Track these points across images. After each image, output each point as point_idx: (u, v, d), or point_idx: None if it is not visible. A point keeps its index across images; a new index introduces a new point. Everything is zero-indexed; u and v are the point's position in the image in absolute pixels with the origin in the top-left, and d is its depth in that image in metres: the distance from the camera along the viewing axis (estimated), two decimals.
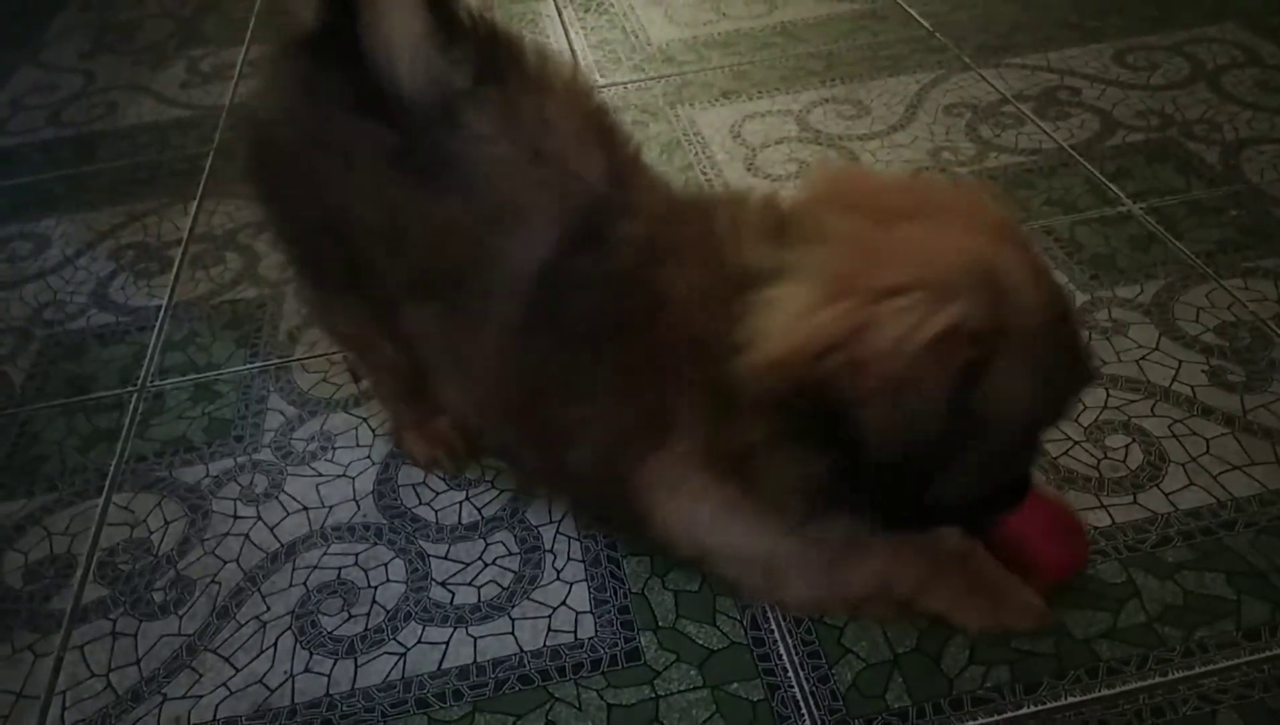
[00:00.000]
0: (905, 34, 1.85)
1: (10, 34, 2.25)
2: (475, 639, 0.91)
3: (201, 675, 0.90)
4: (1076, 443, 1.02)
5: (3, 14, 2.31)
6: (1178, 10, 1.81)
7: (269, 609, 0.95)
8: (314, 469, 1.10)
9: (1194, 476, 0.98)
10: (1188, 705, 0.80)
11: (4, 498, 1.10)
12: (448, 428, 1.07)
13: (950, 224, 0.68)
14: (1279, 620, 0.85)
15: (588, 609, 0.92)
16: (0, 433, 1.19)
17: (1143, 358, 1.11)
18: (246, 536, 1.03)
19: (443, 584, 0.96)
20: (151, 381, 1.24)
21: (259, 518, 1.04)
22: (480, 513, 1.03)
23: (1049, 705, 0.81)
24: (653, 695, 0.85)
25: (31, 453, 1.16)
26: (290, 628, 0.93)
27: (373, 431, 1.13)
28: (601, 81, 1.80)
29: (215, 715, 0.87)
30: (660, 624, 0.90)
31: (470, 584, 0.96)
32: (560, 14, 2.07)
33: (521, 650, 0.89)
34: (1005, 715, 0.81)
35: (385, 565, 0.98)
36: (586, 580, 0.95)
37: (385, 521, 1.03)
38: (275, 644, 0.92)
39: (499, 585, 0.95)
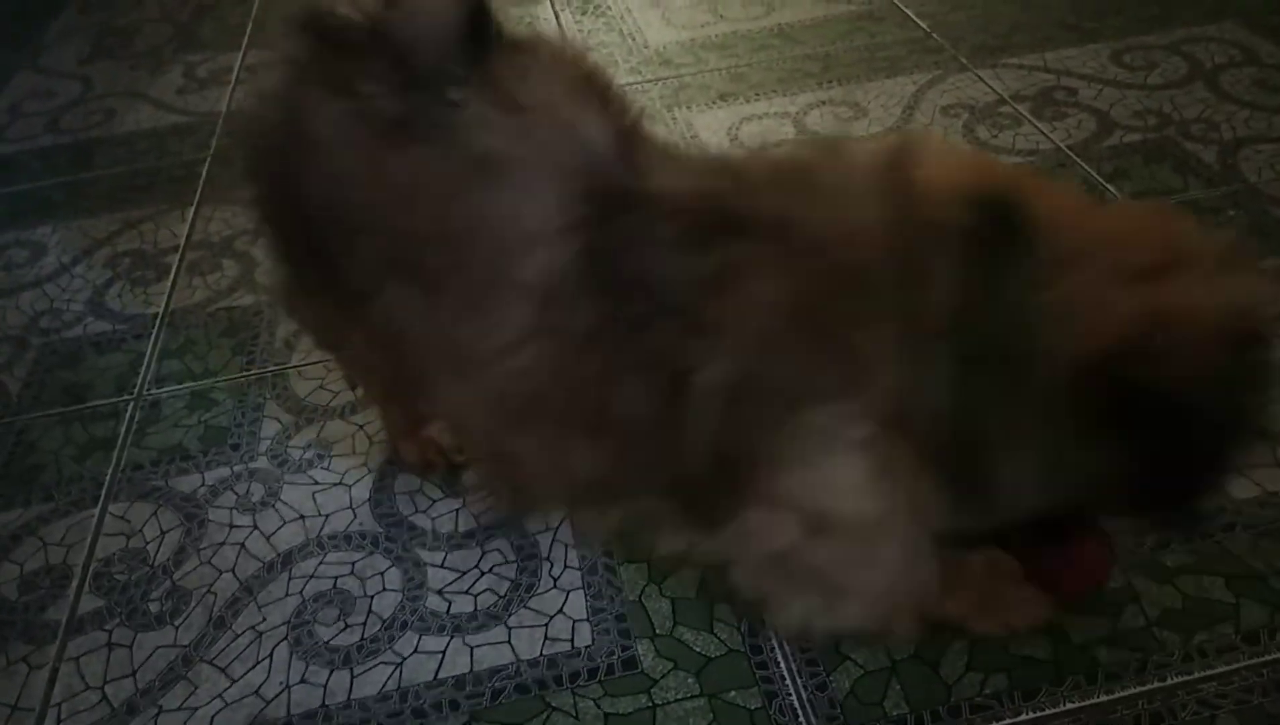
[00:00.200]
0: (902, 35, 1.85)
1: (9, 38, 2.25)
2: (472, 648, 0.90)
3: (197, 687, 0.90)
4: None
5: (1, 17, 2.31)
6: (1177, 9, 1.81)
7: (265, 619, 0.95)
8: (310, 477, 1.09)
9: None
10: (1187, 711, 0.80)
11: (0, 508, 1.10)
12: (439, 433, 1.06)
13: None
14: (1278, 624, 0.85)
15: (585, 617, 0.92)
16: None
17: None
18: (242, 546, 1.02)
19: (439, 593, 0.96)
20: (148, 390, 1.24)
21: (255, 527, 1.04)
22: (476, 519, 1.02)
23: (1047, 712, 0.81)
24: (650, 704, 0.84)
25: (27, 462, 1.15)
26: (286, 638, 0.93)
27: (369, 438, 1.13)
28: None
29: None
30: (658, 632, 0.90)
31: (467, 592, 0.95)
32: (557, 17, 2.07)
33: (518, 659, 0.89)
34: (1004, 722, 0.81)
35: (382, 574, 0.98)
36: (583, 588, 0.94)
37: (382, 530, 1.02)
38: (271, 654, 0.91)
39: (496, 594, 0.95)
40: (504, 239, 0.71)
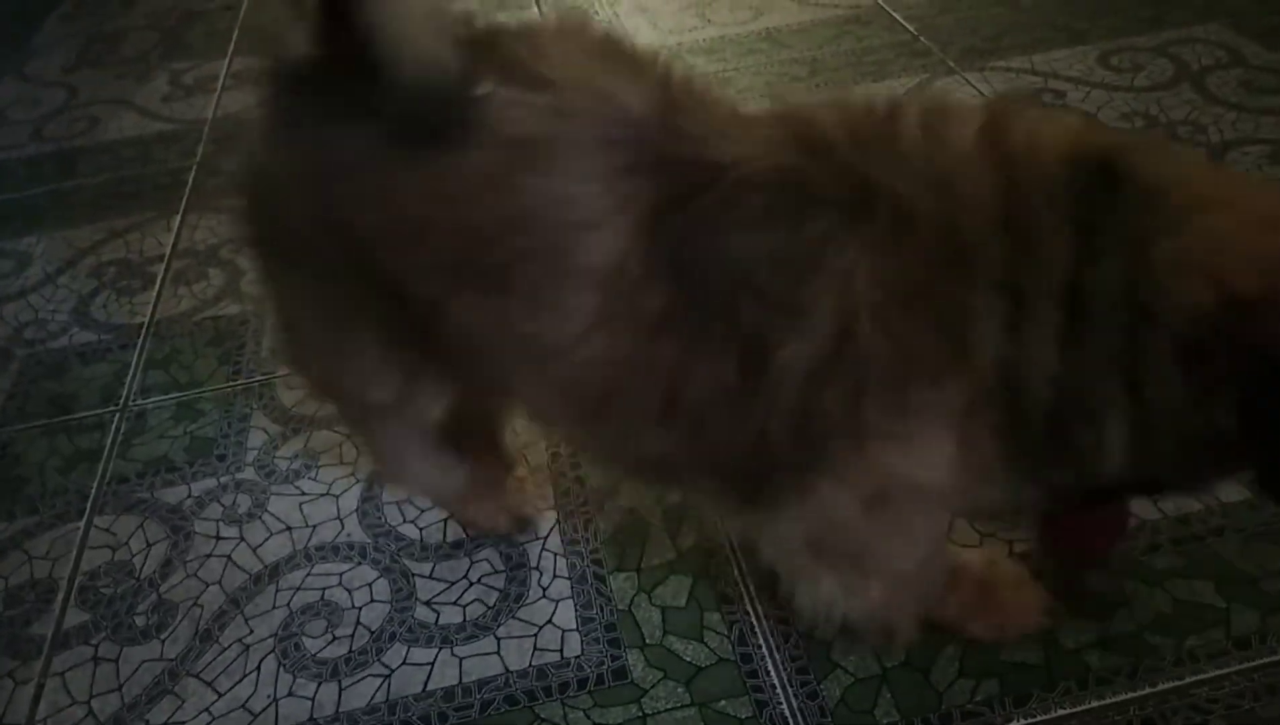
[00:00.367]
0: (890, 38, 1.85)
1: None
2: (460, 659, 0.90)
3: (184, 701, 0.89)
4: None
5: None
6: (1164, 11, 1.81)
7: (252, 632, 0.94)
8: (297, 488, 1.09)
9: None
10: (1179, 716, 0.79)
11: None
12: (525, 476, 1.02)
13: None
14: (1269, 628, 0.84)
15: (574, 627, 0.91)
16: None
17: None
18: (229, 558, 1.02)
19: (428, 603, 0.95)
20: (133, 401, 1.23)
21: (242, 538, 1.03)
22: (465, 529, 1.02)
23: (1039, 718, 0.80)
24: (640, 714, 0.84)
25: (12, 474, 1.14)
26: (273, 650, 0.92)
27: (356, 448, 1.12)
28: None
29: None
30: (647, 641, 0.89)
31: (455, 603, 0.95)
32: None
33: (507, 670, 0.88)
34: None
35: (369, 585, 0.97)
36: (573, 597, 0.94)
37: (369, 540, 1.02)
38: (259, 667, 0.91)
39: (484, 604, 0.94)
40: (559, 225, 0.66)
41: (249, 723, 0.87)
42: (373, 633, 0.93)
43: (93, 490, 1.11)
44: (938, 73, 1.71)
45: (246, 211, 0.81)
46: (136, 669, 0.92)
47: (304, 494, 1.08)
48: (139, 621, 0.97)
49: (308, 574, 0.99)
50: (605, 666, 0.88)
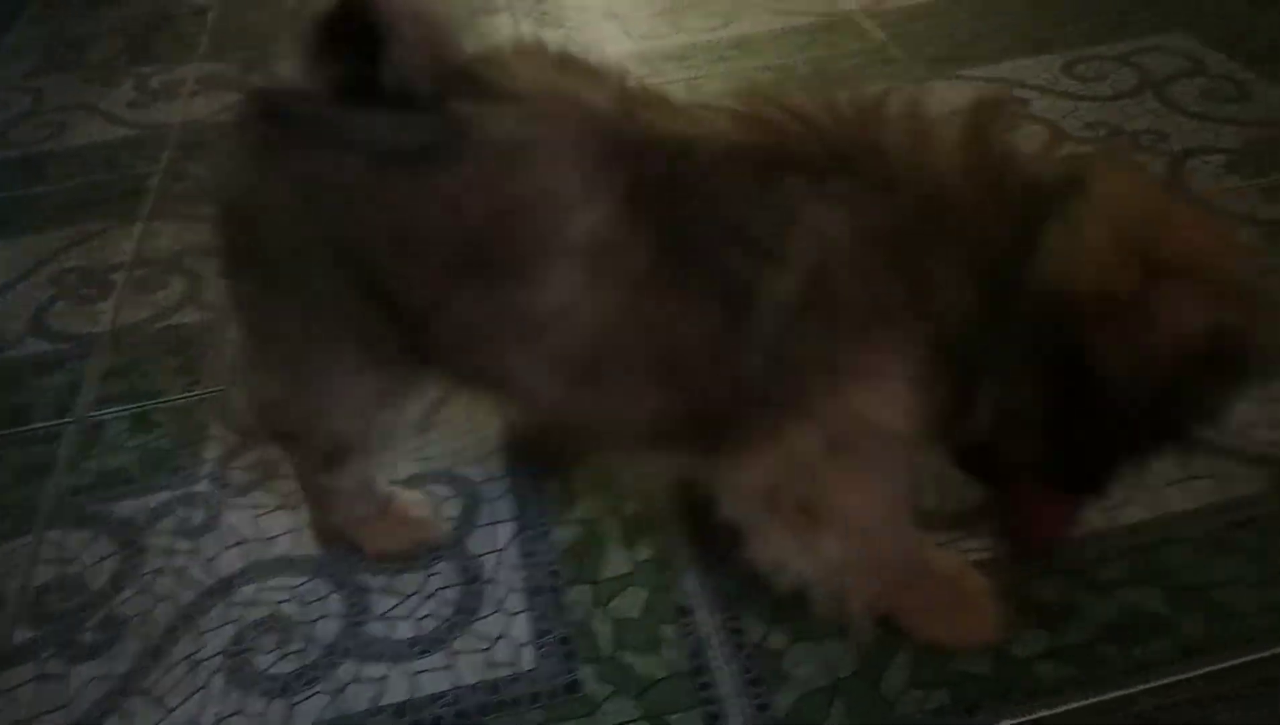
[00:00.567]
0: (859, 46, 1.86)
1: None
2: (413, 675, 0.89)
3: (132, 719, 0.88)
4: None
5: None
6: (1128, 19, 1.83)
7: (203, 648, 0.93)
8: (253, 499, 1.08)
9: (1132, 492, 0.97)
10: None
11: None
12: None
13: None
14: (1214, 637, 0.85)
15: (528, 640, 0.91)
16: None
17: None
18: (181, 572, 1.01)
19: (381, 618, 0.94)
20: (89, 412, 1.22)
21: (195, 552, 1.02)
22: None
23: None
24: None
25: None
26: (223, 667, 0.91)
27: None
28: None
29: None
30: (601, 654, 0.89)
31: (410, 617, 0.94)
32: (516, 28, 2.07)
33: (460, 685, 0.88)
34: None
35: (323, 599, 0.97)
36: (528, 610, 0.94)
37: (324, 553, 1.01)
38: (207, 684, 0.90)
39: (439, 618, 0.94)
40: (547, 210, 0.72)
41: None
42: (325, 648, 0.92)
43: (45, 504, 1.09)
44: (907, 80, 1.72)
45: (229, 241, 0.83)
46: (84, 686, 0.91)
47: (259, 506, 1.07)
48: (88, 638, 0.95)
49: (261, 588, 0.98)
50: (559, 681, 0.87)
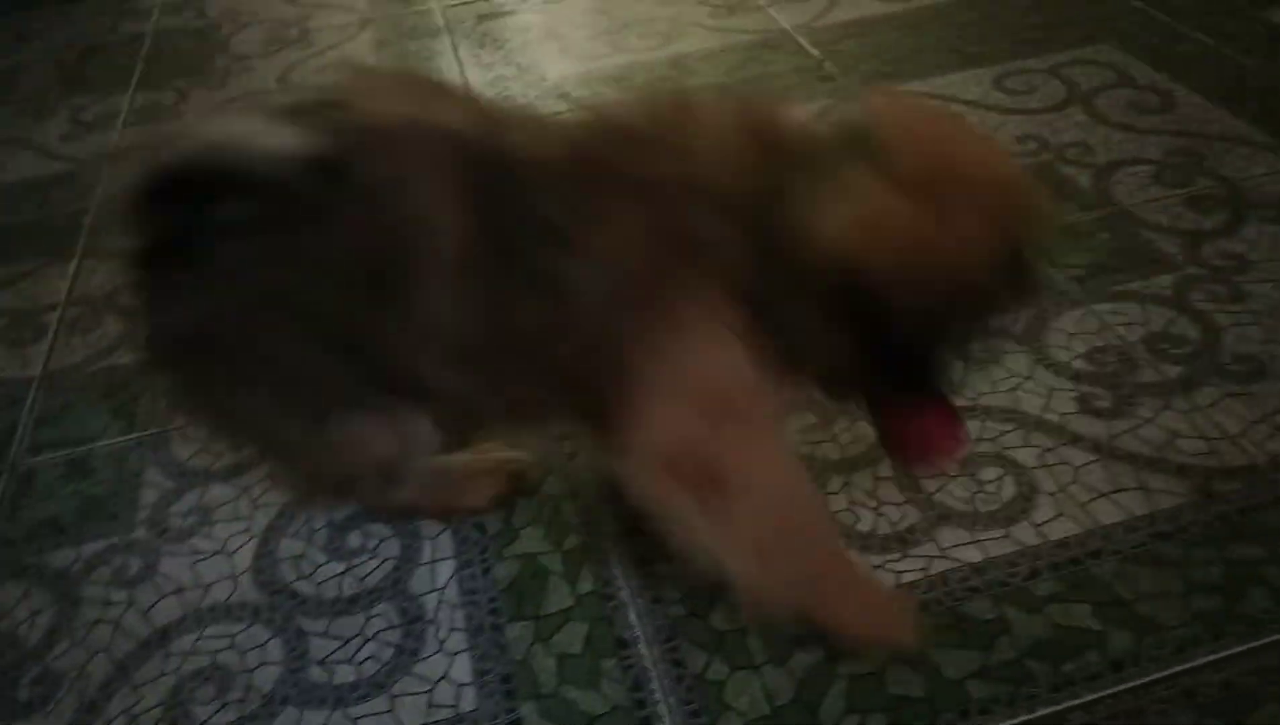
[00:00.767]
0: (796, 63, 1.88)
1: None
2: (354, 720, 0.89)
3: None
4: (952, 478, 1.04)
5: None
6: (1055, 32, 1.87)
7: (140, 701, 0.92)
8: (191, 546, 1.06)
9: (1063, 506, 1.00)
10: None
11: None
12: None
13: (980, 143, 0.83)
14: (1142, 650, 0.87)
15: (470, 680, 0.91)
16: None
17: (1016, 387, 1.14)
18: (118, 623, 0.99)
19: (321, 663, 0.94)
20: (22, 460, 1.19)
21: (131, 602, 1.01)
22: (362, 583, 1.01)
23: None
24: None
25: None
26: (163, 719, 0.90)
27: (253, 502, 1.10)
28: None
29: None
30: (543, 692, 0.89)
31: (350, 661, 0.94)
32: (455, 50, 2.06)
33: None
34: None
35: (262, 646, 0.96)
36: (469, 650, 0.93)
37: (264, 599, 1.00)
38: None
39: (379, 661, 0.93)
40: (417, 238, 0.79)
41: None
42: (264, 696, 0.91)
43: None
44: (842, 96, 1.74)
45: (195, 372, 0.88)
46: None
47: (197, 553, 1.06)
48: (22, 695, 0.94)
49: (199, 637, 0.97)
50: (500, 720, 0.87)
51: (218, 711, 0.90)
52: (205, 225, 0.79)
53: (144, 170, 0.78)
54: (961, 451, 0.94)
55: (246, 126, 0.79)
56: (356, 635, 0.96)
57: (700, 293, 0.79)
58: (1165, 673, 0.86)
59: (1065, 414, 1.10)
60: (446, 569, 1.01)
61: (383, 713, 0.89)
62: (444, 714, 0.88)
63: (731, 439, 0.82)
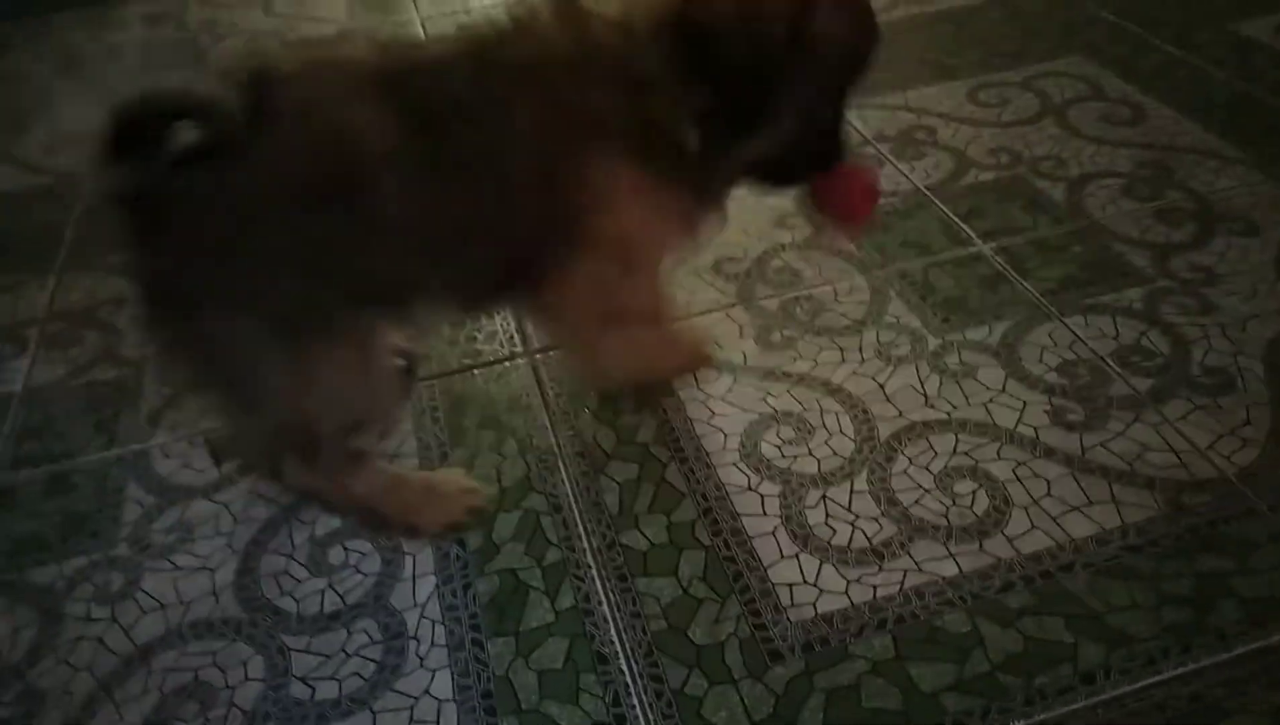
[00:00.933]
0: None
1: None
2: None
3: None
4: (927, 491, 1.05)
5: None
6: (1028, 45, 1.90)
7: (122, 718, 0.92)
8: (172, 562, 1.07)
9: (1036, 519, 1.02)
10: None
11: None
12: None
13: None
14: (1113, 662, 0.89)
15: (450, 697, 0.92)
16: None
17: (990, 401, 1.16)
18: (100, 640, 0.99)
19: (303, 679, 0.94)
20: (3, 475, 1.19)
21: (114, 619, 1.01)
22: (343, 599, 1.01)
23: None
24: None
25: None
26: None
27: (234, 517, 1.11)
28: None
29: None
30: (523, 707, 0.90)
31: (332, 677, 0.94)
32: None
33: None
34: None
35: (244, 663, 0.96)
36: (450, 666, 0.94)
37: (245, 615, 1.01)
38: None
39: (361, 677, 0.94)
40: (352, 144, 0.87)
41: None
42: (246, 713, 0.92)
43: None
44: None
45: (167, 300, 0.92)
46: None
47: (179, 569, 1.06)
48: (4, 712, 0.94)
49: (181, 654, 0.97)
50: None
51: None
52: (164, 158, 0.85)
53: (107, 123, 0.84)
54: (873, 203, 1.07)
55: (179, 83, 0.86)
56: (339, 651, 0.96)
57: (606, 156, 0.92)
58: (1136, 685, 0.87)
59: (1039, 427, 1.12)
60: (427, 585, 1.02)
61: None
62: None
63: (634, 281, 1.03)
